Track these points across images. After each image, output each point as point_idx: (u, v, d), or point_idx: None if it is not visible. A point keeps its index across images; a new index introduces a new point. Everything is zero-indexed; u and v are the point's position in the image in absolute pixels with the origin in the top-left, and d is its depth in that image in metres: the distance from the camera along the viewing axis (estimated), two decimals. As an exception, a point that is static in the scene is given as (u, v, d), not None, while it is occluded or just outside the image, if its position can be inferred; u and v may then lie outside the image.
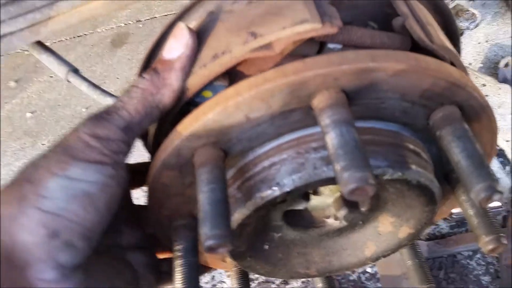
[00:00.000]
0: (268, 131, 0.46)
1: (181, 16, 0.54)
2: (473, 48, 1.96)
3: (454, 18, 0.57)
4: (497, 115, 1.71)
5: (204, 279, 1.28)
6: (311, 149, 0.46)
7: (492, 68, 1.88)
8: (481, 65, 1.90)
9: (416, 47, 0.49)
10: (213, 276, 1.28)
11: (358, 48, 0.49)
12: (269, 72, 0.42)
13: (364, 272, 1.28)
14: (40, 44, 0.85)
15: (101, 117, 0.46)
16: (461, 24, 1.96)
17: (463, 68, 0.51)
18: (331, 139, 0.39)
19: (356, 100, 0.43)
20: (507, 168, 1.55)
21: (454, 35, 0.58)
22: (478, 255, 1.34)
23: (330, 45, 0.50)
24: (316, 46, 0.49)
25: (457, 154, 0.42)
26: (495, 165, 1.52)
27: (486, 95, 1.83)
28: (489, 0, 2.04)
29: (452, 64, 0.50)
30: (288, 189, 0.46)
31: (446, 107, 0.44)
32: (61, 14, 0.68)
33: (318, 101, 0.41)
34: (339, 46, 0.50)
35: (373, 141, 0.46)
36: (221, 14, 0.51)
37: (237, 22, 0.49)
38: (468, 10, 1.91)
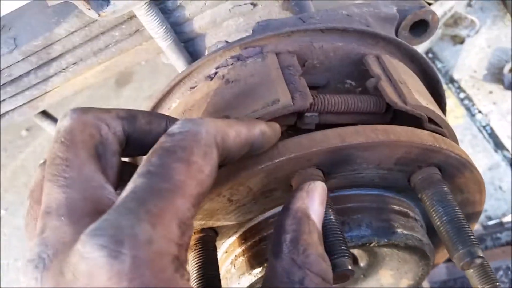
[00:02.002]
0: (254, 209, 0.47)
1: (166, 94, 0.56)
2: (476, 55, 1.93)
3: (430, 64, 0.58)
4: (506, 122, 1.66)
5: None
6: (297, 221, 0.47)
7: (497, 74, 1.85)
8: (486, 72, 1.88)
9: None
10: None
11: (334, 114, 0.50)
12: (245, 159, 0.43)
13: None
14: (41, 112, 0.88)
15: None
16: (461, 32, 1.95)
17: (442, 121, 0.51)
18: None
19: (333, 174, 0.44)
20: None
21: (432, 81, 0.58)
22: (501, 272, 1.31)
23: (307, 114, 0.51)
24: (294, 116, 0.50)
25: (437, 219, 0.42)
26: (508, 174, 1.49)
27: (494, 103, 1.80)
28: (488, 0, 2.02)
29: (430, 120, 0.50)
30: None
31: (425, 169, 0.45)
32: (56, 88, 0.71)
33: (295, 183, 0.42)
34: (315, 114, 0.51)
35: (356, 209, 0.46)
36: (201, 93, 0.52)
37: (214, 103, 0.50)
38: (466, 18, 1.90)
